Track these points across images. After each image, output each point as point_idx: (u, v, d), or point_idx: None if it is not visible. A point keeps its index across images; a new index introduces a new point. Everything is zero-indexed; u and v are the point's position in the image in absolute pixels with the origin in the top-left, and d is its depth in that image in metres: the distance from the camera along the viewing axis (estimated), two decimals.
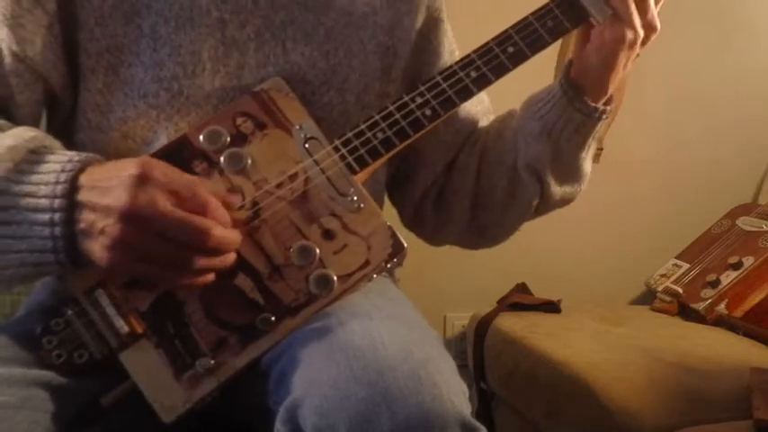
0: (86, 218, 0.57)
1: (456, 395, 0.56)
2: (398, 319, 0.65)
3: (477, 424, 0.56)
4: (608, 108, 0.76)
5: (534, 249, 1.77)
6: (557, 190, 0.81)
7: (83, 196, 0.57)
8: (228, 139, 0.66)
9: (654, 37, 0.74)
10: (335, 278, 0.64)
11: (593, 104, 0.75)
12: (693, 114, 1.92)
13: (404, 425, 0.52)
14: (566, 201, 0.84)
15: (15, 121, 0.67)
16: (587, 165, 0.82)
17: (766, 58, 1.95)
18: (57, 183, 0.57)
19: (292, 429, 0.57)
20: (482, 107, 0.87)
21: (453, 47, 0.87)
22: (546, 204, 0.83)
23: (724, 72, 1.93)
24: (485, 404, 1.48)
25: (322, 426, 0.54)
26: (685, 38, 1.88)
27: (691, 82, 1.91)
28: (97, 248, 0.57)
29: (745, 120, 1.95)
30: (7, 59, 0.67)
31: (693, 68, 1.91)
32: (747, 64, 1.94)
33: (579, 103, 0.74)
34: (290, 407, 0.57)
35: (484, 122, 0.88)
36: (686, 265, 1.70)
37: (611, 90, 0.75)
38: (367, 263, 0.65)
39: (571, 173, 0.81)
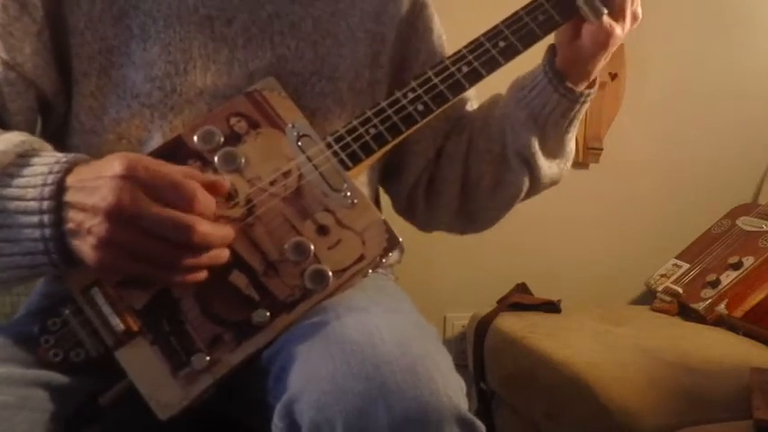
0: (74, 218, 0.57)
1: (453, 390, 0.56)
2: (396, 314, 0.65)
3: (474, 419, 0.56)
4: (592, 91, 0.79)
5: (534, 249, 1.77)
6: (546, 172, 0.84)
7: (70, 197, 0.58)
8: (222, 138, 0.66)
9: (636, 25, 0.77)
10: (330, 273, 0.64)
11: (579, 90, 0.77)
12: (693, 114, 1.92)
13: (401, 419, 0.52)
14: (554, 181, 0.87)
15: (9, 128, 0.67)
16: (572, 144, 0.85)
17: (766, 58, 1.95)
18: (44, 185, 0.58)
19: (289, 424, 0.57)
20: (472, 91, 0.88)
21: (440, 31, 0.88)
22: (536, 187, 0.86)
23: (724, 72, 1.93)
24: (485, 404, 1.48)
25: (319, 420, 0.53)
26: (685, 37, 1.89)
27: (691, 82, 1.91)
28: (86, 248, 0.57)
29: (746, 119, 1.95)
30: None
31: (693, 68, 1.91)
32: (747, 63, 1.94)
33: (564, 90, 0.77)
34: (288, 402, 0.57)
35: (469, 107, 0.89)
36: (686, 265, 1.70)
37: (594, 76, 0.78)
38: (362, 257, 0.65)
39: (558, 154, 0.84)
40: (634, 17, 0.76)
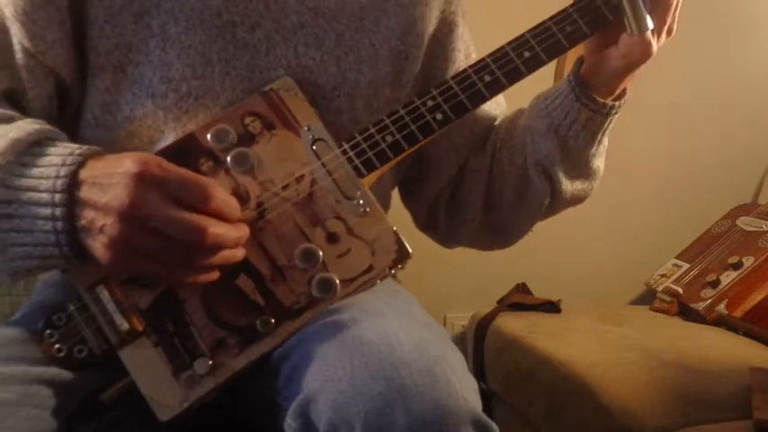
0: (87, 215, 0.57)
1: (469, 392, 0.56)
2: (410, 316, 0.65)
3: (490, 421, 0.56)
4: (619, 103, 0.75)
5: (534, 249, 1.76)
6: (567, 188, 0.80)
7: (83, 193, 0.57)
8: (236, 138, 0.65)
9: (669, 40, 0.74)
10: (338, 282, 0.63)
11: (602, 100, 0.74)
12: (693, 114, 1.92)
13: (419, 420, 0.52)
14: (577, 199, 0.83)
15: (28, 114, 0.67)
16: (598, 162, 0.81)
17: (767, 59, 1.95)
18: (57, 177, 0.57)
19: (304, 424, 0.57)
20: (500, 110, 0.86)
21: (470, 50, 0.85)
22: (557, 203, 0.82)
23: (724, 72, 1.93)
24: (485, 404, 1.48)
25: (337, 420, 0.53)
26: (685, 37, 1.88)
27: (691, 82, 1.91)
28: (98, 246, 0.57)
29: (746, 120, 1.95)
30: (18, 54, 0.67)
31: (693, 68, 1.90)
32: (748, 64, 1.95)
33: (587, 99, 0.74)
34: (304, 402, 0.57)
35: (496, 124, 0.86)
36: (686, 265, 1.70)
37: (621, 89, 0.75)
38: (371, 268, 0.64)
39: (581, 170, 0.80)
40: (669, 32, 0.73)
